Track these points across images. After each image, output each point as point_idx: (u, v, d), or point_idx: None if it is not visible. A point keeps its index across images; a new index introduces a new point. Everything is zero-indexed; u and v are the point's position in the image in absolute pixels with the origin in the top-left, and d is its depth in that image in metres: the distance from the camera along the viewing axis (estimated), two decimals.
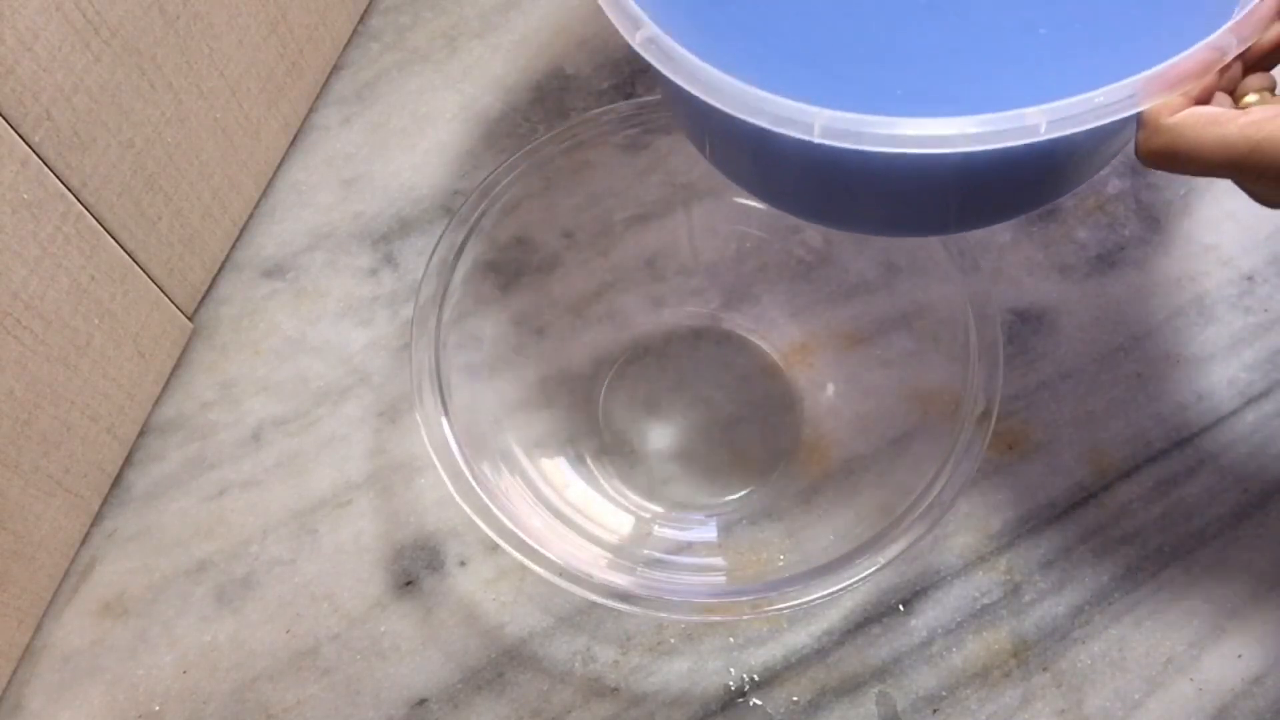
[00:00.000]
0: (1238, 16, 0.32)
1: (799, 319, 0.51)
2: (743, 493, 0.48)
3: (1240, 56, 0.32)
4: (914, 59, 0.35)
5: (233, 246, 0.53)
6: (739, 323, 0.51)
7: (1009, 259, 0.53)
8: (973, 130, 0.31)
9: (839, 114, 0.31)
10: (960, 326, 0.44)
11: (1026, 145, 0.31)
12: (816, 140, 0.31)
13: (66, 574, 0.46)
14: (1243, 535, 0.47)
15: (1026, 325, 0.51)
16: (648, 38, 0.34)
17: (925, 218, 0.40)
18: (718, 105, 0.32)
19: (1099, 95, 0.31)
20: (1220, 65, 0.32)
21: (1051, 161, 0.35)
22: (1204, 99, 0.32)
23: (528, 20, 0.60)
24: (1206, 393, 0.50)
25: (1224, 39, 0.32)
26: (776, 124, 0.32)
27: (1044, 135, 0.31)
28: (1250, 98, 0.33)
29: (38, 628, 0.45)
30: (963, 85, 0.35)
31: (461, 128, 0.57)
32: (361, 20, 0.59)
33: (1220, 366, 0.50)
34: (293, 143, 0.56)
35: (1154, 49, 0.33)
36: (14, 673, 0.45)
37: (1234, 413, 0.49)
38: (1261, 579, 0.46)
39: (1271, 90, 0.34)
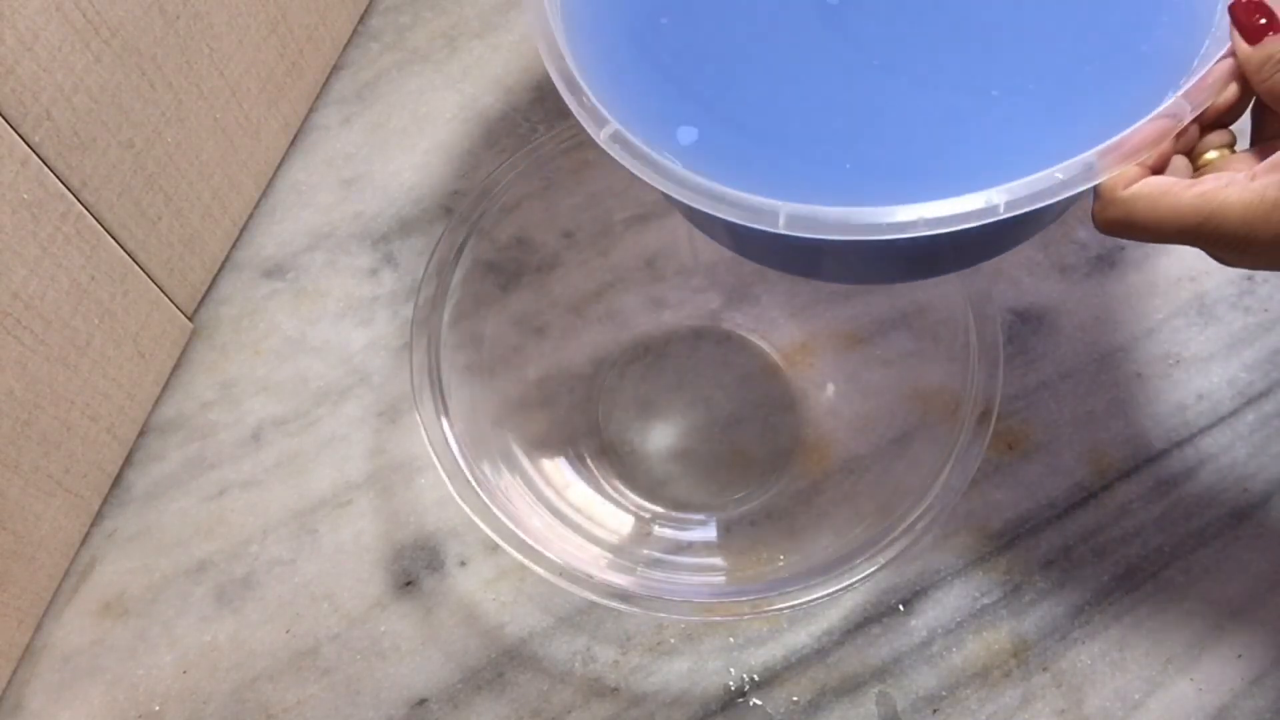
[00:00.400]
0: (1190, 82, 0.32)
1: (799, 319, 0.51)
2: (743, 493, 0.48)
3: (1196, 119, 0.32)
4: (863, 126, 0.35)
5: (233, 246, 0.53)
6: (739, 323, 0.51)
7: (1009, 259, 0.53)
8: (932, 215, 0.31)
9: (802, 206, 0.31)
10: (960, 326, 0.44)
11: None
12: (782, 231, 0.32)
13: (66, 574, 0.46)
14: (1243, 535, 0.47)
15: (1026, 325, 0.51)
16: (611, 134, 0.34)
17: (896, 275, 0.41)
18: (684, 201, 0.33)
19: (1058, 171, 0.31)
20: (1174, 132, 0.32)
21: (1019, 223, 0.35)
22: (1160, 165, 0.33)
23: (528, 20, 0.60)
24: (1206, 393, 0.50)
25: (1177, 106, 0.31)
26: (742, 218, 0.32)
27: (1003, 215, 0.31)
28: (1210, 154, 0.34)
29: (38, 628, 0.45)
30: (914, 154, 0.34)
31: (461, 128, 0.57)
32: (361, 20, 0.59)
33: (1220, 366, 0.50)
34: (293, 143, 0.56)
35: (1107, 108, 0.33)
36: (14, 673, 0.45)
37: (1234, 413, 0.49)
38: (1261, 579, 0.46)
39: (1231, 146, 0.34)
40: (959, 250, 0.37)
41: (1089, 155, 0.31)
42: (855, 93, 0.35)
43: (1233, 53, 0.32)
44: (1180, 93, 0.32)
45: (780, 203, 0.32)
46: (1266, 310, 0.51)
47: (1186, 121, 0.32)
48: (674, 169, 0.33)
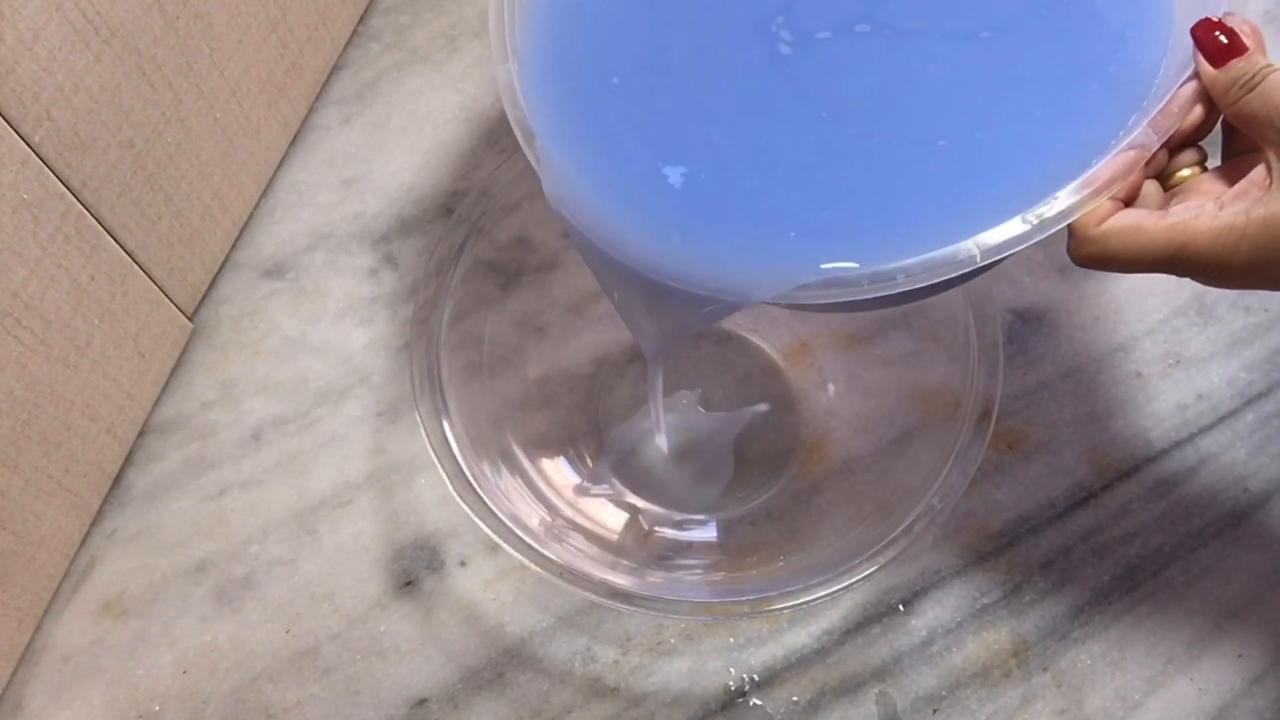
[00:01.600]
0: (1155, 110, 0.32)
1: (799, 319, 0.51)
2: (743, 493, 0.48)
3: (1164, 145, 0.32)
4: (810, 186, 0.35)
5: (233, 246, 0.53)
6: (739, 323, 0.51)
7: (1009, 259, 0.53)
8: (912, 271, 0.31)
9: (785, 275, 0.32)
10: (960, 326, 0.44)
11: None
12: (769, 302, 0.33)
13: (66, 574, 0.46)
14: (1243, 535, 0.47)
15: (1026, 325, 0.51)
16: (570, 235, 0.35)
17: (884, 307, 0.41)
18: (670, 284, 0.34)
19: (1032, 215, 0.31)
20: (1143, 162, 0.32)
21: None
22: (1131, 195, 0.33)
23: None
24: (1206, 393, 0.50)
25: (1144, 136, 0.32)
26: (730, 298, 0.33)
27: (980, 263, 0.31)
28: (1183, 173, 0.34)
29: (38, 628, 0.45)
30: (865, 214, 0.34)
31: (461, 128, 0.57)
32: (361, 20, 0.59)
33: (1220, 366, 0.50)
34: (293, 143, 0.56)
35: (1062, 148, 0.33)
36: (14, 673, 0.45)
37: (1234, 413, 0.49)
38: (1261, 579, 0.46)
39: (1202, 163, 0.34)
40: (937, 288, 0.37)
41: (1059, 196, 0.31)
42: (806, 149, 0.35)
43: (1196, 75, 0.32)
44: (1146, 121, 0.32)
45: (762, 275, 0.32)
46: (1266, 310, 0.51)
47: (1153, 150, 0.32)
48: (659, 261, 0.34)
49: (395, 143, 0.56)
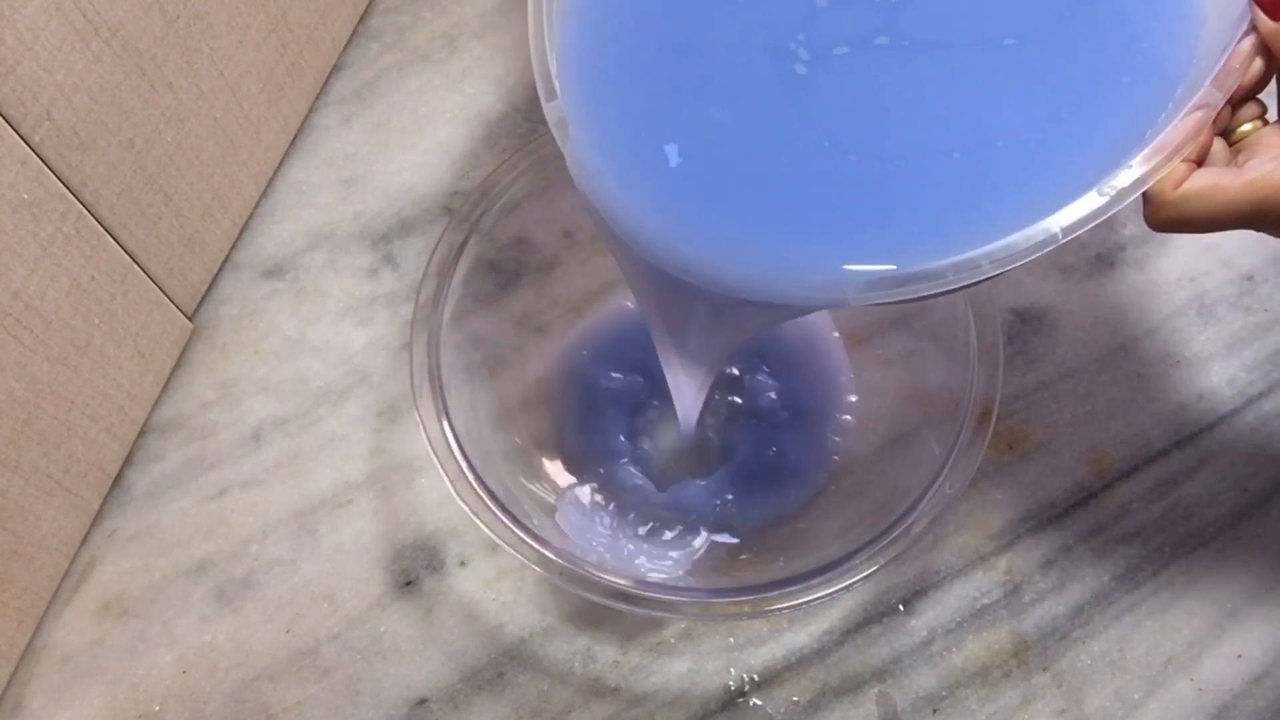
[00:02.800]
0: (1217, 68, 0.32)
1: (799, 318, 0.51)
2: (742, 493, 0.48)
3: (1228, 102, 0.32)
4: (830, 202, 0.34)
5: (233, 246, 0.53)
6: None
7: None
8: (996, 257, 0.31)
9: (872, 269, 0.32)
10: (960, 326, 0.44)
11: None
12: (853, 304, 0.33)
13: (66, 574, 0.46)
14: (1243, 535, 0.47)
15: (1026, 325, 0.51)
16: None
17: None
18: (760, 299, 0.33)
19: (1107, 187, 0.31)
20: (1210, 121, 0.32)
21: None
22: (1202, 155, 0.33)
23: (528, 20, 0.60)
24: (1206, 393, 0.50)
25: (1209, 96, 0.32)
26: (808, 302, 0.34)
27: (1062, 241, 0.31)
28: (1245, 126, 0.34)
29: (38, 628, 0.45)
30: (886, 239, 0.34)
31: (462, 128, 0.57)
32: (361, 20, 0.59)
33: (1220, 366, 0.50)
34: (293, 143, 0.56)
35: (1082, 143, 0.33)
36: (14, 673, 0.45)
37: (1234, 413, 0.49)
38: (1261, 579, 0.46)
39: (1262, 116, 0.34)
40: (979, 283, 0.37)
41: (1135, 161, 0.31)
42: (820, 168, 0.35)
43: (1254, 29, 0.32)
44: (1209, 81, 0.32)
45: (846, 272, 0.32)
46: (1266, 310, 0.51)
47: (1219, 108, 0.32)
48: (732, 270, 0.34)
49: (395, 143, 0.56)
